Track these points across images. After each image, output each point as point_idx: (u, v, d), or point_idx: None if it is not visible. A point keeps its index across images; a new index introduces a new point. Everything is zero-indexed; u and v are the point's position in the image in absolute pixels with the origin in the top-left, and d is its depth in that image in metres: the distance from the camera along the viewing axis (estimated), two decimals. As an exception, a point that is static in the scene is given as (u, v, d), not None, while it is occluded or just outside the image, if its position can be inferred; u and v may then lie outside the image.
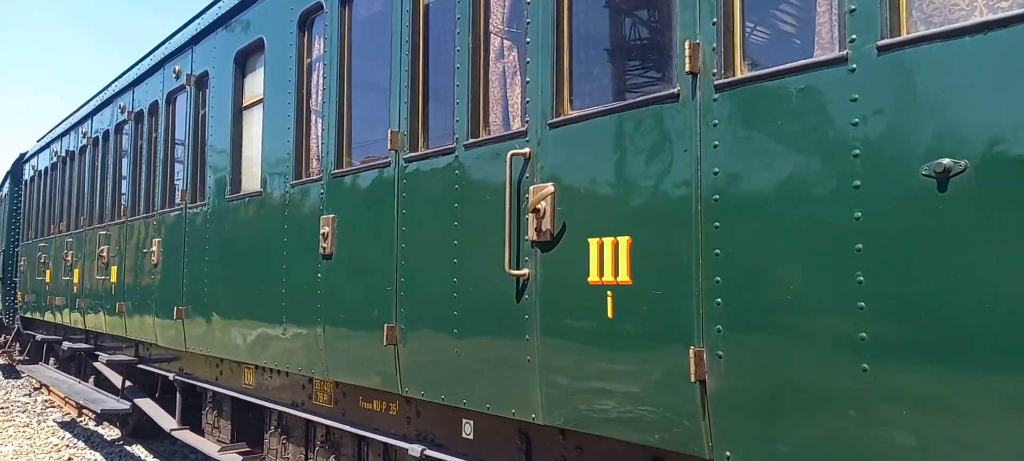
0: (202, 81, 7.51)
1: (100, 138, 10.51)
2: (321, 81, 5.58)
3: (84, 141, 11.23)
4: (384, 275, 4.55)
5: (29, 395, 17.43)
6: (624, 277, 3.09)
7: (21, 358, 16.46)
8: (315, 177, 5.43)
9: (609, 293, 3.15)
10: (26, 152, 16.34)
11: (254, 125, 6.56)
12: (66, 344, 11.21)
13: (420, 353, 4.30)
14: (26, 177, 15.43)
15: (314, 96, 5.69)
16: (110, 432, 11.75)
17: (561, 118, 3.50)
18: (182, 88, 7.88)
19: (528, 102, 3.67)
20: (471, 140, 4.01)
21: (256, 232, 6.16)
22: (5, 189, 18.00)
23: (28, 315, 14.84)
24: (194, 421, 8.19)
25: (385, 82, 4.79)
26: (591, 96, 3.97)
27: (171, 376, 8.13)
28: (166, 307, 7.79)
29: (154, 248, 8.14)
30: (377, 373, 4.63)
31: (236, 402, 7.12)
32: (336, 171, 5.14)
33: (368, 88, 5.21)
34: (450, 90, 4.25)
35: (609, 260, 3.15)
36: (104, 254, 9.73)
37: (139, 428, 10.37)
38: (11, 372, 20.30)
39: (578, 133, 3.38)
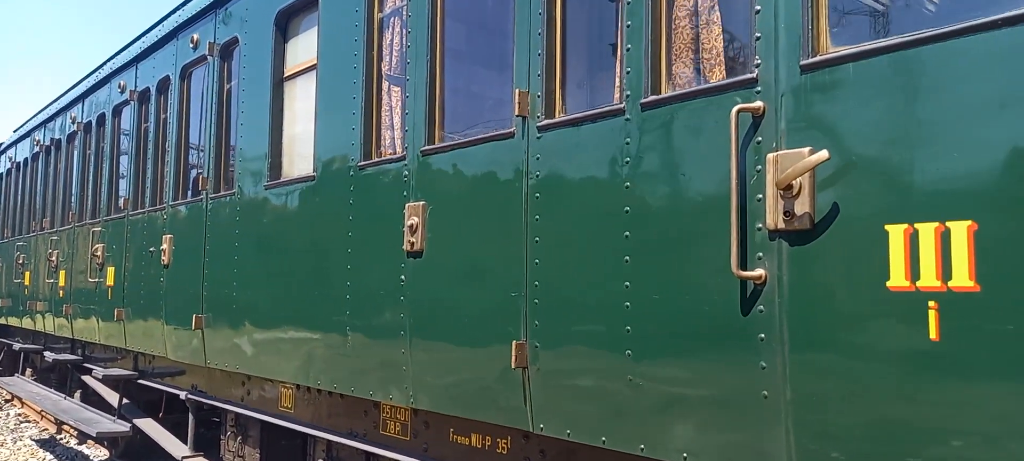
0: (229, 50, 6.43)
1: (94, 123, 9.34)
2: (399, 40, 4.54)
3: (74, 127, 10.03)
4: (507, 277, 3.52)
5: (1, 409, 16.07)
6: (963, 281, 2.11)
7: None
8: (395, 157, 4.38)
9: (932, 305, 2.17)
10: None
11: (301, 98, 5.50)
12: (49, 355, 9.98)
13: (564, 379, 3.29)
14: (1, 170, 14.12)
15: (388, 59, 4.65)
16: (97, 452, 10.51)
17: (819, 58, 2.52)
18: (201, 60, 6.78)
19: (759, 39, 2.69)
20: (661, 95, 3.01)
21: (307, 225, 5.10)
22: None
23: (1, 321, 13.51)
24: (208, 447, 7.08)
25: (496, 32, 3.78)
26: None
27: (183, 394, 7.00)
28: (180, 314, 6.68)
29: (165, 246, 7.01)
30: (494, 402, 3.59)
31: (268, 427, 6.03)
32: (428, 148, 4.10)
33: (472, 41, 4.20)
34: (608, 32, 3.26)
35: (931, 256, 2.17)
36: (99, 253, 8.56)
37: (132, 449, 9.18)
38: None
39: (863, 74, 2.40)
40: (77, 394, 10.34)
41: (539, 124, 3.47)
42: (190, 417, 7.06)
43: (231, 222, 6.00)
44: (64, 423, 12.30)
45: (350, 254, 4.62)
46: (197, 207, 6.58)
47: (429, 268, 4.03)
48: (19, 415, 15.00)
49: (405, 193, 4.23)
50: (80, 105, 9.85)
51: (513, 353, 3.42)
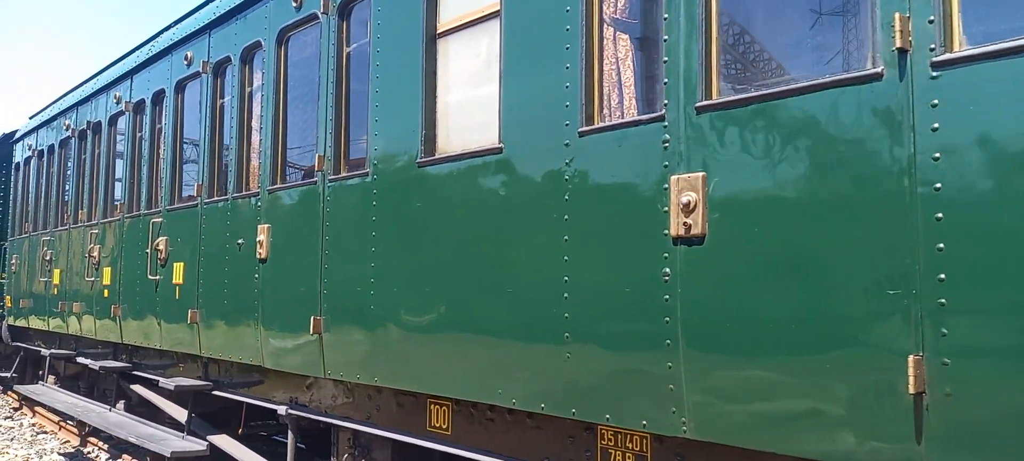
0: (347, 8, 5.47)
1: (147, 102, 8.31)
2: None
3: (119, 108, 8.99)
4: (876, 269, 2.63)
5: (10, 418, 14.92)
6: None
7: (11, 375, 13.98)
8: (644, 118, 3.47)
9: None
10: (16, 131, 13.89)
11: (463, 57, 4.58)
12: (93, 361, 8.93)
13: (982, 410, 2.41)
14: (18, 159, 12.99)
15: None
16: (138, 468, 9.50)
17: None
18: (308, 21, 5.82)
19: None
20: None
21: (487, 208, 4.17)
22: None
23: (19, 323, 12.41)
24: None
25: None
26: None
27: (282, 410, 6.04)
28: (286, 317, 5.72)
29: (261, 238, 6.04)
30: (859, 441, 2.69)
31: (401, 449, 5.10)
32: (707, 103, 3.20)
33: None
34: None
35: None
36: (161, 248, 7.56)
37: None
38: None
39: None
40: (120, 404, 9.32)
41: (935, 59, 2.58)
42: (290, 436, 6.09)
43: (363, 209, 5.05)
44: (90, 436, 11.27)
45: (567, 243, 3.70)
46: (309, 192, 5.62)
47: (714, 258, 3.13)
48: (33, 425, 13.93)
49: (667, 163, 3.32)
50: (127, 83, 8.82)
51: (910, 372, 2.51)
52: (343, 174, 5.36)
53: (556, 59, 3.83)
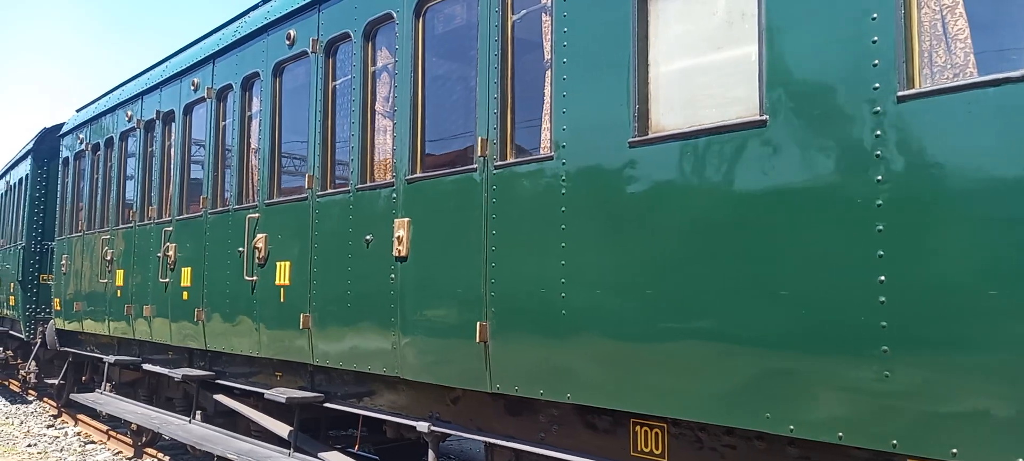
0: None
1: (235, 87, 7.63)
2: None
3: (198, 95, 8.30)
4: None
5: (52, 426, 14.26)
6: None
7: (59, 382, 13.32)
8: (1001, 77, 2.78)
9: None
10: (61, 125, 13.23)
11: (699, 14, 3.89)
12: (182, 371, 8.23)
13: None
14: (67, 155, 12.31)
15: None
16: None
17: None
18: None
19: None
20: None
21: (749, 196, 3.48)
22: (23, 171, 14.77)
23: (71, 327, 11.74)
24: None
25: None
26: None
27: (424, 426, 5.34)
28: (440, 323, 5.04)
29: (400, 233, 5.35)
30: None
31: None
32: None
33: None
34: None
35: None
36: (261, 246, 6.87)
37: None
38: (16, 397, 16.96)
39: None
40: (197, 415, 8.64)
41: None
42: (431, 455, 5.40)
43: (547, 198, 4.36)
44: (147, 447, 10.59)
45: (882, 234, 3.01)
46: (465, 181, 4.93)
47: None
48: (79, 434, 13.26)
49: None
50: (208, 68, 8.14)
51: None
52: (514, 159, 4.67)
53: (856, 6, 3.14)
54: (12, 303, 14.94)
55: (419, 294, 5.23)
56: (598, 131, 4.13)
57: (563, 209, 4.27)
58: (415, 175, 5.38)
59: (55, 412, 15.06)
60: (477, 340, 4.67)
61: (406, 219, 5.36)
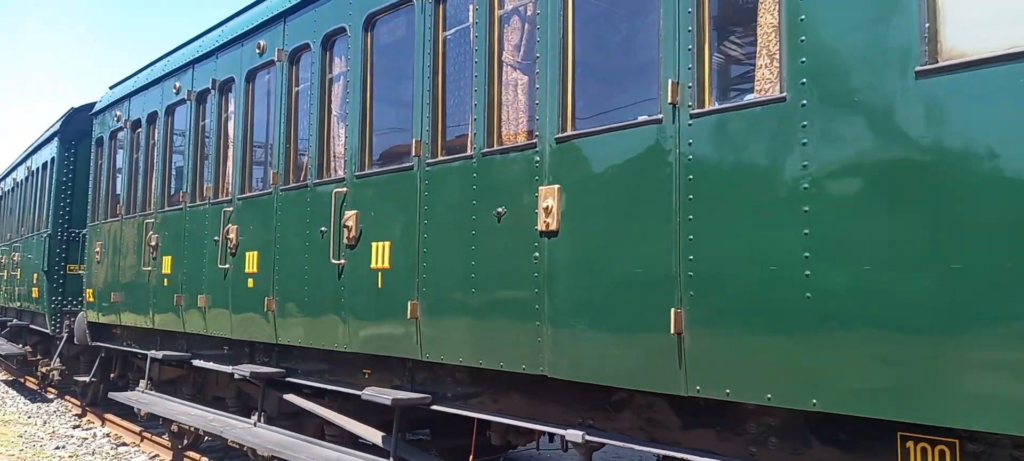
0: None
1: (313, 47, 6.70)
2: None
3: (262, 60, 7.39)
4: None
5: (78, 427, 13.35)
6: None
7: (90, 379, 12.44)
8: None
9: None
10: (93, 104, 12.33)
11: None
12: (251, 368, 7.29)
13: None
14: (100, 134, 11.39)
15: None
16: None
17: None
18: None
19: None
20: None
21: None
22: (48, 155, 13.87)
23: (106, 320, 10.83)
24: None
25: None
26: None
27: (575, 434, 4.43)
28: (610, 311, 4.12)
29: (547, 203, 4.44)
30: None
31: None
32: None
33: None
34: None
35: None
36: (351, 225, 5.96)
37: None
38: (35, 395, 16.06)
39: None
40: (259, 417, 7.73)
41: None
42: (583, 468, 4.49)
43: (778, 151, 3.44)
44: (189, 450, 9.68)
45: None
46: (644, 137, 4.02)
47: None
48: (109, 436, 12.36)
49: None
50: (277, 29, 7.23)
51: None
52: (719, 105, 3.76)
53: None
54: (35, 295, 14.03)
55: (576, 275, 4.32)
56: (862, 60, 3.21)
57: (805, 164, 3.36)
58: (566, 133, 4.47)
59: (79, 411, 14.17)
60: (671, 331, 3.76)
61: (555, 186, 4.45)
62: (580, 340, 4.29)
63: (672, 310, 3.77)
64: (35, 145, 15.57)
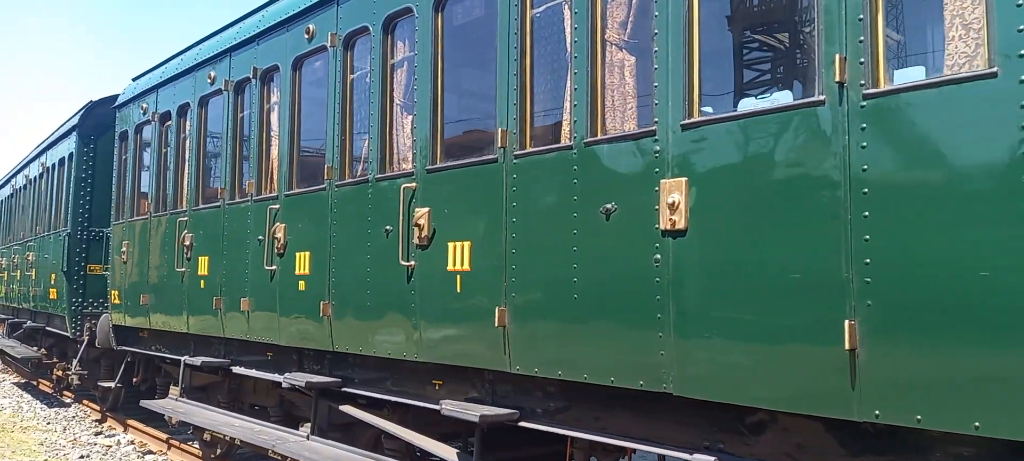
0: None
1: (373, 31, 6.14)
2: None
3: (311, 46, 6.85)
4: None
5: (100, 433, 12.85)
6: None
7: (116, 385, 11.94)
8: None
9: None
10: (115, 97, 11.80)
11: None
12: (306, 379, 6.74)
13: None
14: (125, 128, 10.85)
15: None
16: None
17: None
18: None
19: None
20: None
21: None
22: (65, 150, 13.34)
23: (132, 323, 10.32)
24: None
25: None
26: None
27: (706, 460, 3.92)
28: (749, 321, 3.60)
29: (673, 198, 3.91)
30: None
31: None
32: None
33: None
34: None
35: None
36: (423, 223, 5.43)
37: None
38: (52, 399, 15.55)
39: None
40: (311, 429, 7.22)
41: None
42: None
43: (996, 137, 2.93)
44: (223, 459, 9.18)
45: None
46: (801, 123, 3.50)
47: None
48: (133, 444, 11.86)
49: None
50: (330, 10, 6.67)
51: None
52: (896, 85, 3.24)
53: None
54: (53, 297, 13.53)
55: (710, 280, 3.80)
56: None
57: (1024, 150, 2.84)
58: (694, 120, 3.95)
59: (99, 417, 13.67)
60: (845, 346, 3.24)
61: (682, 180, 3.93)
62: (716, 354, 3.77)
63: (846, 322, 3.25)
64: (49, 140, 15.04)
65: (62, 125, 14.18)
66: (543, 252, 4.66)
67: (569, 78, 4.61)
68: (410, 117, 5.92)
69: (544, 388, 4.97)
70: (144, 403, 9.21)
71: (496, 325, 4.85)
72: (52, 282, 13.56)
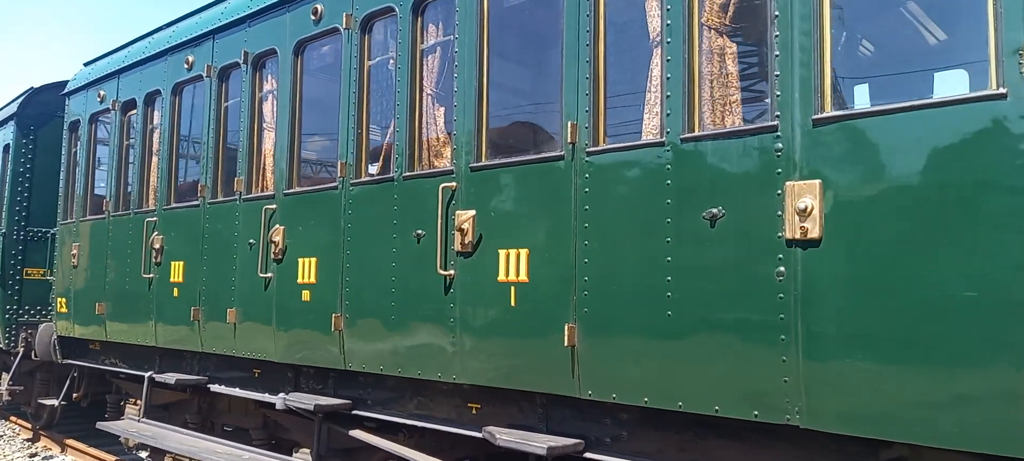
0: None
1: (399, 12, 5.51)
2: None
3: (318, 28, 6.14)
4: None
5: (36, 456, 11.65)
6: None
7: (59, 403, 10.80)
8: None
9: None
10: (64, 83, 10.70)
11: None
12: (315, 402, 5.95)
13: None
14: (77, 117, 9.76)
15: None
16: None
17: None
18: None
19: None
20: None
21: None
22: (2, 140, 12.08)
23: (82, 334, 9.29)
24: None
25: None
26: None
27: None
28: (918, 346, 3.14)
29: (805, 203, 3.42)
30: None
31: None
32: None
33: None
34: None
35: None
36: (467, 227, 4.81)
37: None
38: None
39: None
40: (299, 454, 6.48)
41: None
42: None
43: None
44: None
45: None
46: (979, 115, 3.06)
47: None
48: (77, 468, 10.76)
49: None
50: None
51: None
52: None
53: None
54: (-18, 303, 12.23)
55: (851, 296, 3.32)
56: None
57: None
58: (828, 114, 3.47)
59: (30, 436, 12.44)
60: (1041, 375, 2.81)
61: (815, 182, 3.44)
62: (862, 381, 3.29)
63: (1043, 348, 2.82)
64: (-22, 131, 13.68)
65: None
66: (625, 262, 4.11)
67: (664, 66, 4.09)
68: (443, 109, 5.30)
69: (614, 414, 4.42)
70: (101, 425, 8.22)
71: (565, 345, 4.28)
72: (-19, 287, 12.27)
